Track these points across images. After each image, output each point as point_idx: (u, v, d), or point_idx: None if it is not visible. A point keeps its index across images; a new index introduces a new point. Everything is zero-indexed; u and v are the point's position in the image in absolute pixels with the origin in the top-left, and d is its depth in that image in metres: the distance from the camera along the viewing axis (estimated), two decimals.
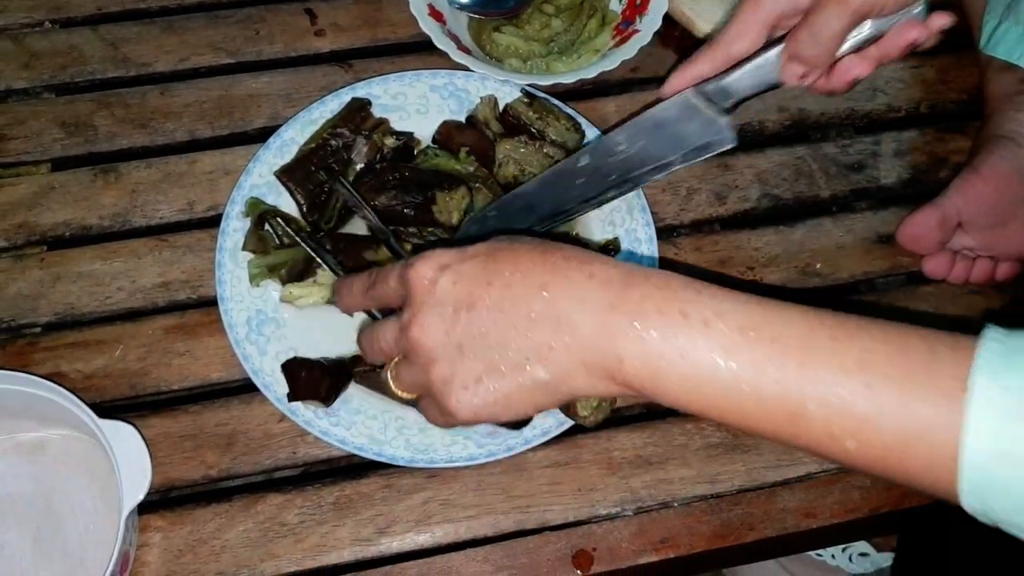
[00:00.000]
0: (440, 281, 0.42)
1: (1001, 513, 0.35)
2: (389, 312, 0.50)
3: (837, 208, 0.75)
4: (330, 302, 0.64)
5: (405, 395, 0.48)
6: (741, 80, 0.54)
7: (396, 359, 0.47)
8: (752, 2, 0.52)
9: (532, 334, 0.40)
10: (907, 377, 0.36)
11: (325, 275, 0.64)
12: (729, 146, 0.55)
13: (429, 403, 0.46)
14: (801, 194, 0.75)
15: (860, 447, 0.37)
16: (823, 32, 0.50)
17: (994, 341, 0.36)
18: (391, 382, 0.48)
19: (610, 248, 0.67)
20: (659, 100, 0.57)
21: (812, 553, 0.95)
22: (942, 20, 0.50)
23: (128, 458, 0.55)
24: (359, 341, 0.50)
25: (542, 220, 0.61)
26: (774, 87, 0.55)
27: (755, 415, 0.39)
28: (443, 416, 0.45)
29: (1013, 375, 0.34)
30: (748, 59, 0.54)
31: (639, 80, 0.79)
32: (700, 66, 0.54)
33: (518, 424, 0.60)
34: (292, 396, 0.60)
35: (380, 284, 0.47)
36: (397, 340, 0.45)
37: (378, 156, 0.69)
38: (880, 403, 0.36)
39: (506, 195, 0.64)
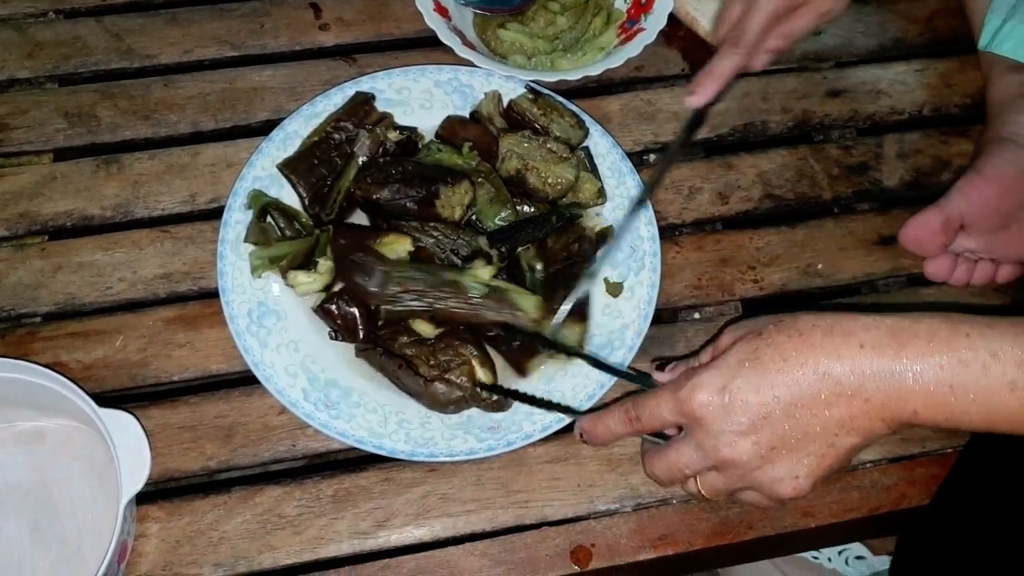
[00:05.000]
0: (726, 404, 0.46)
1: None
2: None
3: (839, 209, 0.75)
4: (327, 289, 0.64)
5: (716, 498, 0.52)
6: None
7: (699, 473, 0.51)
8: (756, 9, 0.59)
9: (831, 413, 0.45)
10: None
11: (325, 264, 0.64)
12: None
13: (754, 496, 0.50)
14: (803, 195, 0.75)
15: None
16: (798, 31, 0.62)
17: None
18: (702, 492, 0.51)
19: (605, 235, 0.68)
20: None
21: (808, 555, 0.94)
22: None
23: (127, 447, 0.55)
24: (653, 470, 0.53)
25: None
26: None
27: None
28: (777, 502, 0.49)
29: None
30: None
31: (643, 79, 0.79)
32: (728, 67, 0.62)
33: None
34: (333, 336, 0.63)
35: (649, 417, 0.50)
36: (703, 462, 0.49)
37: (380, 150, 0.68)
38: None
39: None
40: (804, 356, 0.45)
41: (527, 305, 0.61)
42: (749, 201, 0.74)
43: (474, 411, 0.62)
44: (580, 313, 0.63)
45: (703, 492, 0.51)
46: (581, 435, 0.56)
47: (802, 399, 0.45)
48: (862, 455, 0.64)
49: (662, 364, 0.53)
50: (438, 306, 0.61)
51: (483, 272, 0.61)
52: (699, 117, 0.66)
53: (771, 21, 0.61)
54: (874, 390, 0.44)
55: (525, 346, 0.62)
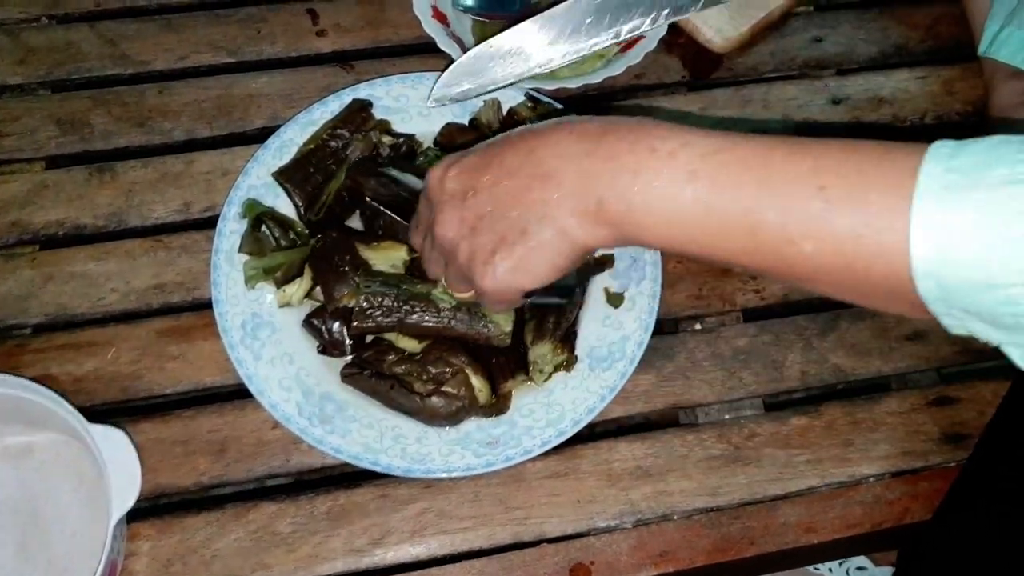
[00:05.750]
0: (448, 178, 0.45)
1: (958, 294, 0.34)
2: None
3: None
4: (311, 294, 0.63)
5: (462, 296, 0.52)
6: None
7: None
8: None
9: (526, 196, 0.43)
10: (858, 174, 0.37)
11: (309, 271, 0.63)
12: None
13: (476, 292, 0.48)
14: None
15: (816, 247, 0.37)
16: None
17: (945, 141, 0.37)
18: (450, 290, 0.52)
19: (604, 263, 0.66)
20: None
21: (810, 567, 0.94)
22: None
23: (117, 464, 0.54)
24: (424, 268, 0.54)
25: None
26: None
27: (720, 235, 0.40)
28: (480, 295, 0.47)
29: (961, 159, 0.35)
30: None
31: (644, 87, 0.78)
32: None
33: (563, 292, 0.59)
34: (321, 350, 0.62)
35: (420, 210, 0.49)
36: (431, 246, 0.48)
37: (375, 154, 0.67)
38: (831, 199, 0.37)
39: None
40: (525, 141, 0.43)
41: (498, 316, 0.60)
42: None
43: (472, 426, 0.61)
44: (567, 340, 0.62)
45: (449, 288, 0.51)
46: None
47: (508, 178, 0.43)
48: (863, 469, 0.63)
49: None
50: (408, 321, 0.60)
51: None
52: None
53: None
54: (566, 172, 0.42)
55: (502, 367, 0.61)
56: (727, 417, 0.65)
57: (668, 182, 0.39)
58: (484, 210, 0.44)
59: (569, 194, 0.42)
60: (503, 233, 0.44)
